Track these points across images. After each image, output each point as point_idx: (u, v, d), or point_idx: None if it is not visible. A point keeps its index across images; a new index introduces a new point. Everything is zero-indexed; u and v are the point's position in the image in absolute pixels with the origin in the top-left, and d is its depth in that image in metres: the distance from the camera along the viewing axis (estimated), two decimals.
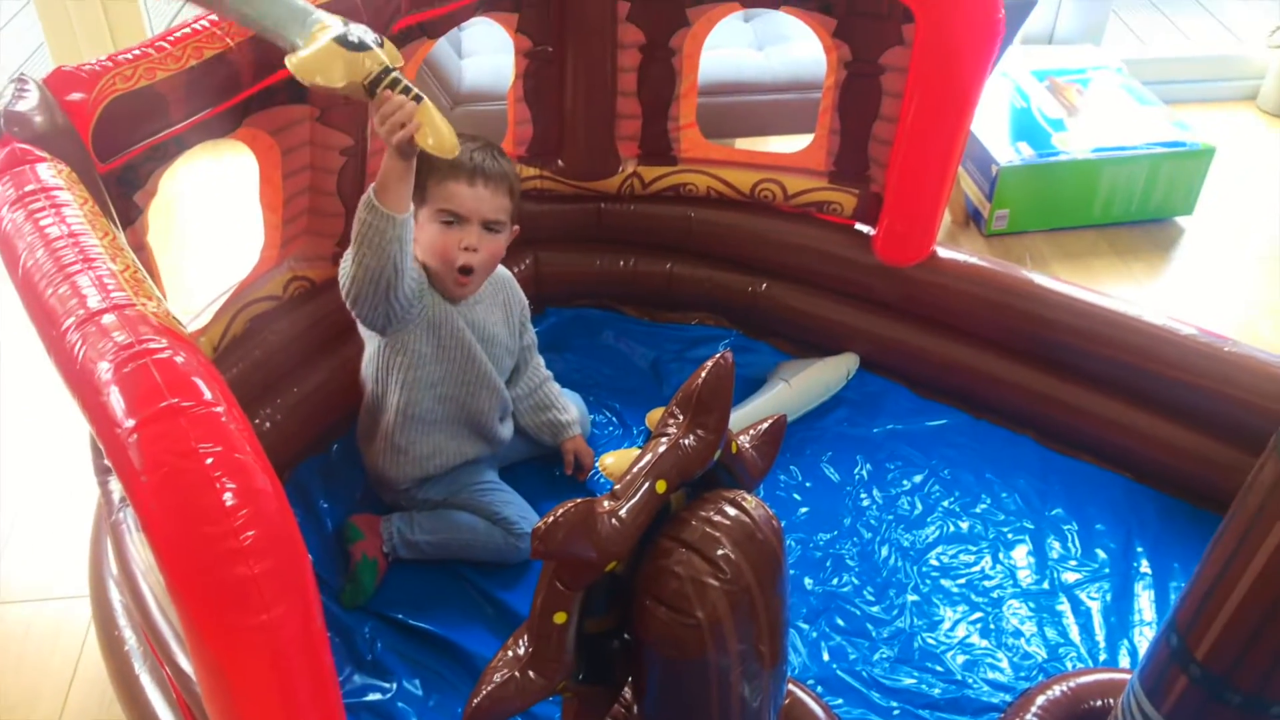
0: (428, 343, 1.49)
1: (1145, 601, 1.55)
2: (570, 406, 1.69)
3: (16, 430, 1.93)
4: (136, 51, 1.25)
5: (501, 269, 1.59)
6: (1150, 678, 1.13)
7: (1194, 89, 2.96)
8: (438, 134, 1.30)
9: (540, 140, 1.91)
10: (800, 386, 1.81)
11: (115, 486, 1.32)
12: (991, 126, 2.43)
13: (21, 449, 1.89)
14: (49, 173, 1.06)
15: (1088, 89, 2.58)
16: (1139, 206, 2.45)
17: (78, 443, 1.66)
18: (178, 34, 1.31)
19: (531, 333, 1.68)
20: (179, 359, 0.81)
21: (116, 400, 0.78)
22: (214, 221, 2.44)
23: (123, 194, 1.28)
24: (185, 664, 1.11)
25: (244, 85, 1.39)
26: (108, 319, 0.85)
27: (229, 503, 0.75)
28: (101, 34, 2.53)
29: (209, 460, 0.75)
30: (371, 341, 1.52)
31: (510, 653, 1.04)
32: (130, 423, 0.77)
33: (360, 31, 1.30)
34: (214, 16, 1.34)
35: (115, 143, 1.23)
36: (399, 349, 1.49)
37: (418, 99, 1.29)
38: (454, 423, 1.55)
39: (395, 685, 1.41)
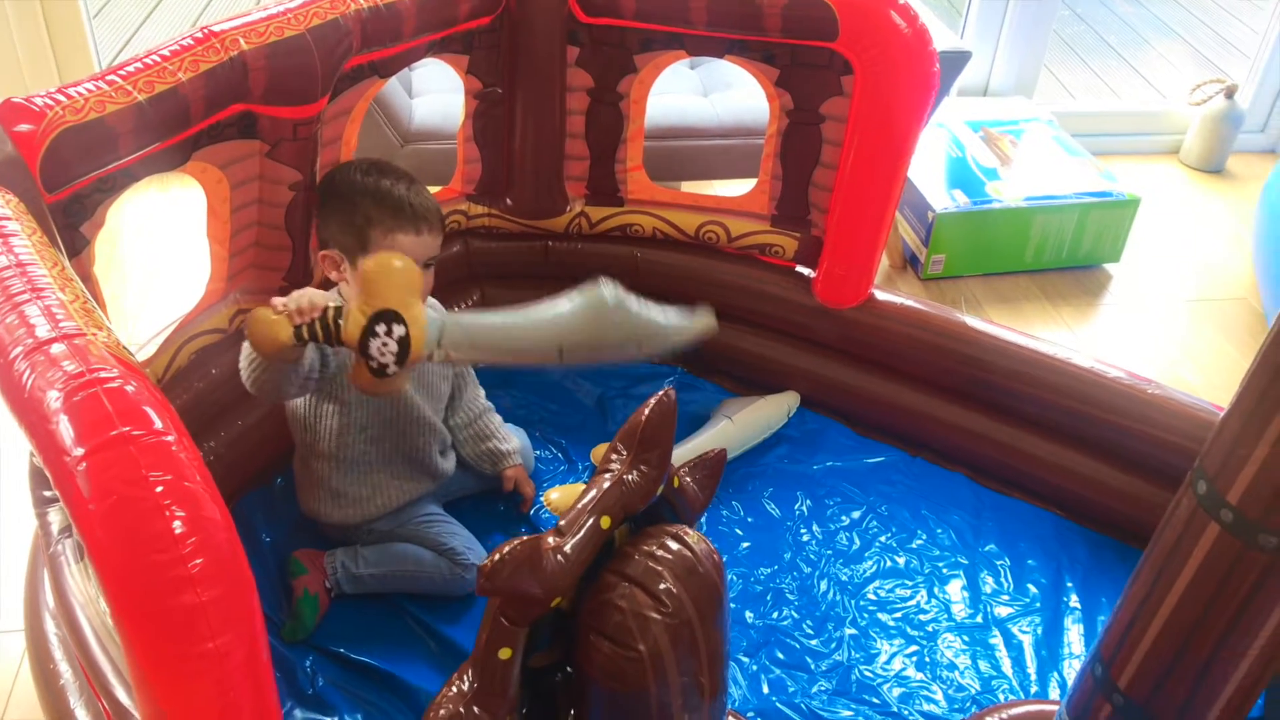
0: (350, 388, 1.44)
1: (1075, 635, 1.59)
2: (510, 436, 1.70)
3: None
4: (88, 85, 1.26)
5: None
6: (1077, 706, 1.16)
7: (1121, 142, 3.08)
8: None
9: (489, 179, 1.94)
10: (742, 423, 1.84)
11: (54, 518, 1.31)
12: (928, 174, 2.51)
13: None
14: None
15: (1020, 140, 2.67)
16: (1069, 253, 2.54)
17: (13, 475, 1.63)
18: (130, 68, 1.31)
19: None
20: (129, 388, 0.82)
21: (66, 428, 0.79)
22: (158, 253, 2.43)
23: (69, 224, 1.27)
24: (124, 698, 1.10)
25: (194, 120, 1.39)
26: (56, 348, 0.86)
27: (178, 530, 0.75)
28: (47, 63, 2.51)
29: (159, 488, 0.76)
30: None
31: (454, 688, 1.04)
32: (79, 450, 0.77)
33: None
34: (166, 51, 1.35)
35: (63, 174, 1.23)
36: (324, 396, 1.49)
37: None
38: (391, 462, 1.55)
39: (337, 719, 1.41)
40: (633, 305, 1.26)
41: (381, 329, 1.19)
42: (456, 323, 1.25)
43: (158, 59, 1.34)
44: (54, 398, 0.81)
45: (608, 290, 1.25)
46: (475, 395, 1.69)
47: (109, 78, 1.28)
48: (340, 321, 1.20)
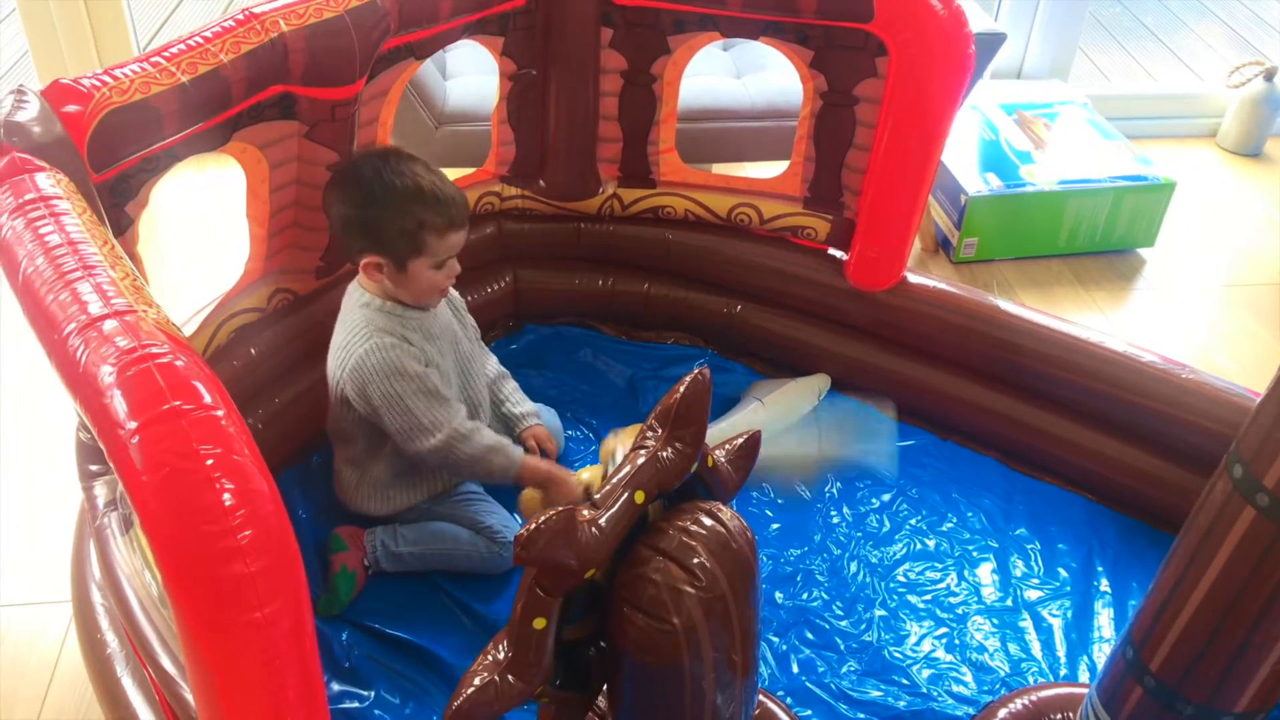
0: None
1: (1105, 619, 1.59)
2: (525, 400, 1.73)
3: None
4: (133, 66, 1.28)
5: None
6: (1107, 689, 1.17)
7: (1157, 125, 3.05)
8: None
9: (523, 161, 1.95)
10: (773, 405, 1.85)
11: (100, 492, 1.34)
12: (961, 157, 2.50)
13: (1, 454, 1.90)
14: (48, 182, 1.08)
15: (1054, 123, 2.65)
16: (1102, 238, 2.52)
17: (60, 448, 1.67)
18: (173, 49, 1.33)
19: (470, 318, 1.71)
20: (180, 363, 0.84)
21: (119, 403, 0.81)
22: (197, 233, 2.46)
23: (115, 204, 1.30)
24: (170, 666, 1.13)
25: (235, 100, 1.41)
26: (109, 325, 0.88)
27: (227, 502, 0.77)
28: (86, 44, 2.54)
29: (209, 461, 0.78)
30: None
31: (490, 657, 1.06)
32: (133, 424, 0.79)
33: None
34: (208, 33, 1.37)
35: (110, 154, 1.26)
36: None
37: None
38: None
39: (372, 693, 1.43)
40: None
41: None
42: None
43: (200, 40, 1.36)
44: (107, 373, 0.83)
45: None
46: (492, 360, 1.73)
47: (153, 59, 1.30)
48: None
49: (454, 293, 1.64)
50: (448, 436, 1.48)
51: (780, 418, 1.86)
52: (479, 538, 1.56)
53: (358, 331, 1.48)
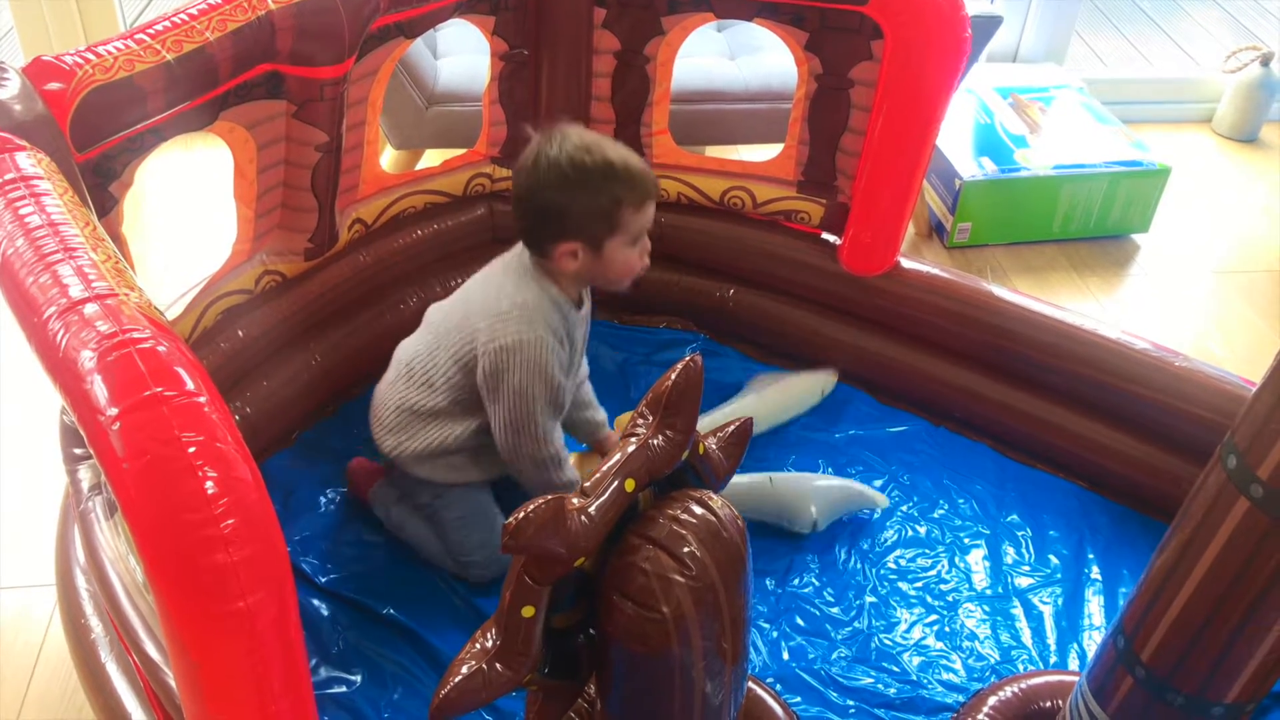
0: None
1: (1095, 606, 1.59)
2: (597, 404, 1.68)
3: None
4: (117, 43, 1.26)
5: None
6: (1097, 678, 1.17)
7: (1152, 110, 3.04)
8: None
9: (514, 142, 1.93)
10: (771, 400, 1.83)
11: (84, 475, 1.33)
12: (956, 141, 2.48)
13: None
14: (28, 161, 1.06)
15: (1050, 107, 2.64)
16: (1097, 223, 2.51)
17: (44, 431, 1.65)
18: (158, 27, 1.31)
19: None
20: (162, 349, 0.82)
21: (99, 388, 0.79)
22: (183, 213, 2.44)
23: (98, 184, 1.28)
24: (154, 652, 1.11)
25: (222, 79, 1.39)
26: (90, 309, 0.86)
27: (210, 491, 0.76)
28: (73, 22, 2.51)
29: (191, 449, 0.76)
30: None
31: (478, 645, 1.05)
32: (113, 411, 0.78)
33: None
34: (194, 10, 1.35)
35: (93, 133, 1.24)
36: None
37: None
38: None
39: (360, 678, 1.42)
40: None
41: None
42: None
43: (186, 18, 1.33)
44: (88, 358, 0.81)
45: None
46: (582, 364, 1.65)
47: (137, 36, 1.28)
48: None
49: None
50: (550, 456, 1.46)
51: (778, 411, 1.84)
52: (447, 557, 1.55)
53: (528, 313, 1.41)
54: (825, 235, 1.91)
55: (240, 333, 1.60)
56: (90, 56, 1.22)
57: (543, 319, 1.41)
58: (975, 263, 2.44)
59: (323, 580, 1.53)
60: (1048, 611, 1.58)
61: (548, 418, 1.45)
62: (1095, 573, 1.64)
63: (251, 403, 1.63)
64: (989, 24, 2.12)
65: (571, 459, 1.56)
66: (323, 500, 1.65)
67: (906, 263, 1.85)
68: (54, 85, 1.18)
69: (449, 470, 1.52)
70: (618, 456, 1.08)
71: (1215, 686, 1.05)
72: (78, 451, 1.34)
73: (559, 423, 1.50)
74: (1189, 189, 2.74)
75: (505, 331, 1.40)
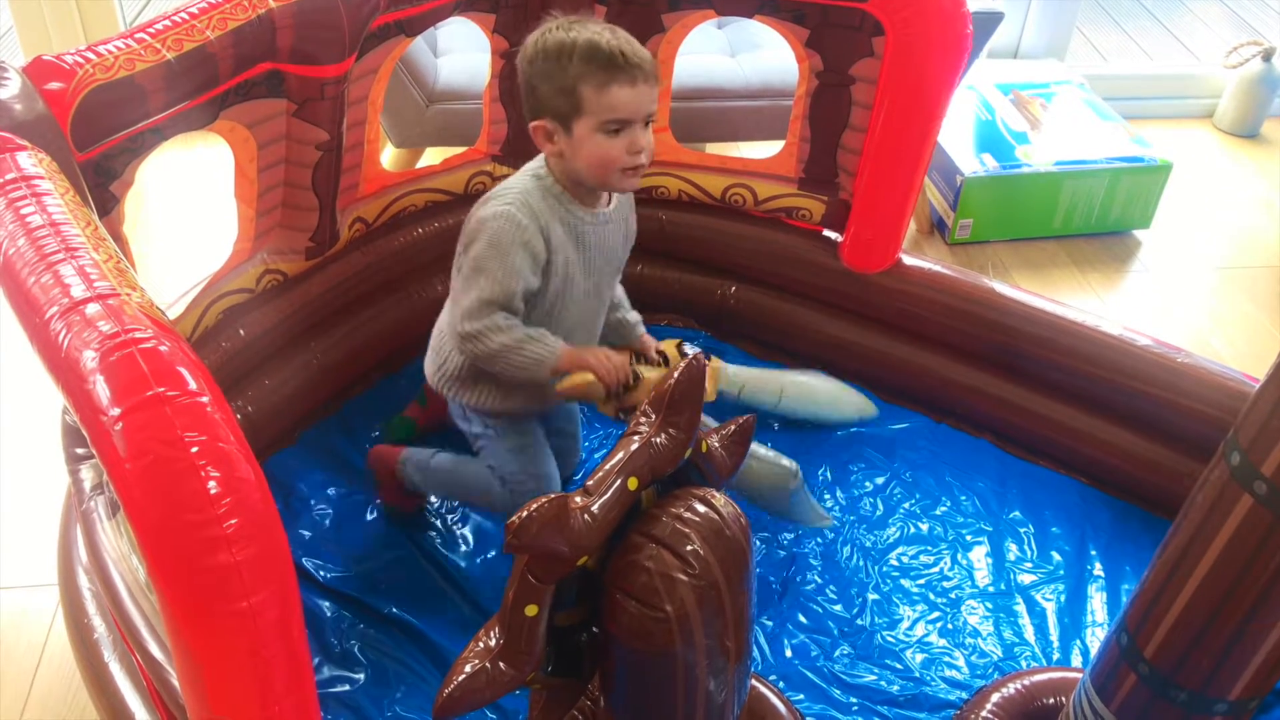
0: (550, 285, 1.41)
1: (1098, 603, 1.59)
2: (632, 310, 1.62)
3: None
4: (117, 42, 1.26)
5: None
6: (1101, 675, 1.17)
7: (1154, 105, 3.03)
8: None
9: (514, 140, 1.93)
10: (826, 390, 1.85)
11: (86, 475, 1.33)
12: (957, 138, 2.48)
13: None
14: (29, 161, 1.06)
15: (1051, 103, 2.64)
16: (1098, 219, 2.51)
17: (45, 431, 1.65)
18: (158, 25, 1.31)
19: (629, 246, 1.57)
20: (164, 348, 0.82)
21: (102, 389, 0.79)
22: (183, 212, 2.44)
23: (99, 184, 1.28)
24: (157, 651, 1.11)
25: (222, 78, 1.39)
26: (92, 309, 0.86)
27: (212, 491, 0.76)
28: (72, 21, 2.51)
29: (194, 449, 0.76)
30: None
31: (481, 644, 1.05)
32: (116, 410, 0.78)
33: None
34: (194, 9, 1.35)
35: (93, 133, 1.23)
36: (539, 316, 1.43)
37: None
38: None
39: (363, 676, 1.42)
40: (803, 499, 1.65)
41: None
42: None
43: (186, 16, 1.33)
44: (90, 358, 0.81)
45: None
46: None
47: (138, 35, 1.28)
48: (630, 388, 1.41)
49: (633, 221, 1.53)
50: (484, 326, 1.35)
51: (826, 401, 1.85)
52: (497, 489, 1.50)
53: (510, 190, 1.38)
54: (827, 232, 1.90)
55: (241, 331, 1.60)
56: (91, 56, 1.22)
57: (522, 200, 1.37)
58: (977, 259, 2.43)
59: (325, 579, 1.53)
60: (1050, 608, 1.58)
61: (492, 306, 1.35)
62: (1098, 569, 1.64)
63: (253, 401, 1.63)
64: (990, 20, 2.12)
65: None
66: (325, 498, 1.65)
67: (908, 259, 1.85)
68: (54, 85, 1.18)
69: (494, 395, 1.47)
70: (620, 455, 1.08)
71: (1218, 683, 1.05)
72: (79, 451, 1.34)
73: (514, 325, 1.38)
74: (1190, 185, 2.74)
75: (485, 207, 1.38)
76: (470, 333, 1.36)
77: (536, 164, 1.42)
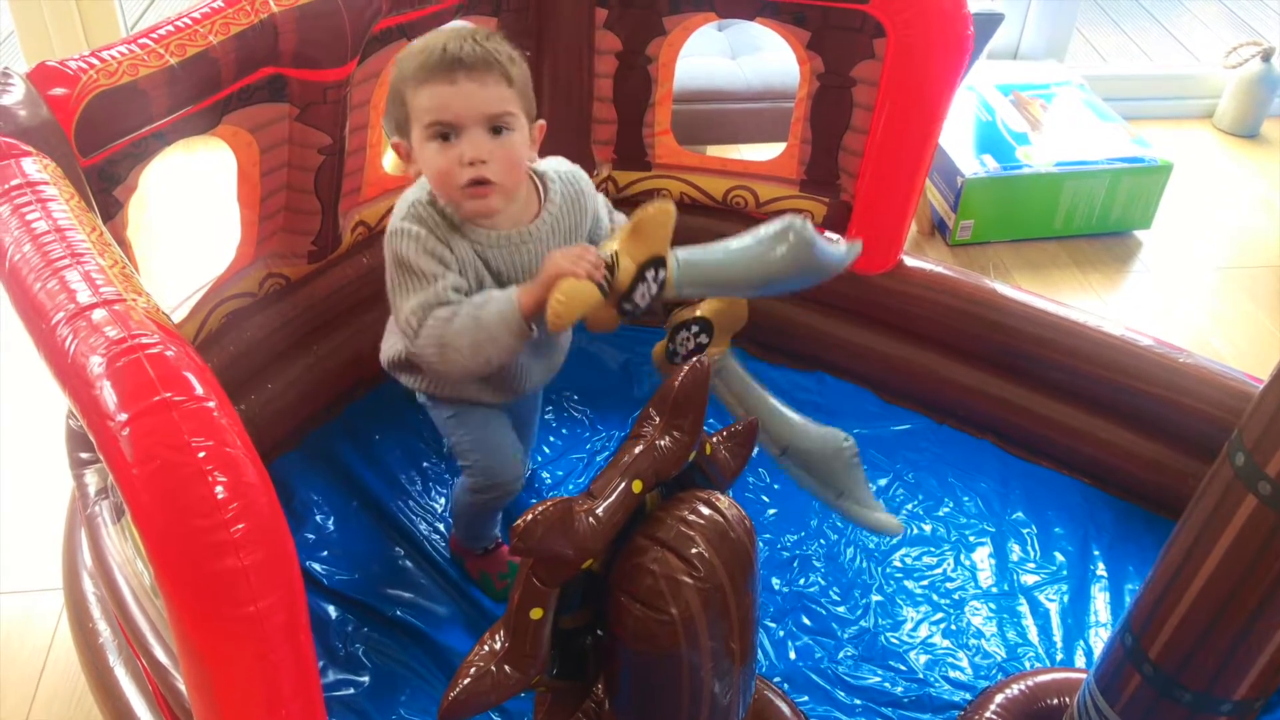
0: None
1: (1101, 603, 1.59)
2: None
3: None
4: (120, 48, 1.26)
5: (572, 173, 1.35)
6: (1105, 676, 1.17)
7: (1154, 106, 3.04)
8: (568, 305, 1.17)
9: None
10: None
11: (91, 480, 1.33)
12: (957, 139, 2.48)
13: None
14: (34, 167, 1.06)
15: (1051, 104, 2.64)
16: (1099, 219, 2.51)
17: (50, 435, 1.65)
18: (161, 31, 1.31)
19: (609, 221, 1.42)
20: (170, 353, 0.82)
21: (109, 394, 0.79)
22: (186, 217, 2.44)
23: (103, 189, 1.28)
24: (162, 656, 1.12)
25: (225, 83, 1.39)
26: (98, 314, 0.86)
27: (220, 496, 0.76)
28: (74, 26, 2.51)
29: (201, 454, 0.76)
30: None
31: (486, 647, 1.05)
32: (123, 416, 0.78)
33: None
34: (196, 14, 1.35)
35: (97, 138, 1.24)
36: None
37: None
38: (484, 382, 1.38)
39: (368, 680, 1.43)
40: (816, 238, 1.30)
41: (650, 274, 1.24)
42: (687, 261, 1.28)
43: (189, 21, 1.33)
44: (96, 363, 0.81)
45: (798, 224, 1.28)
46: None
47: (141, 41, 1.28)
48: (614, 270, 1.22)
49: (607, 213, 1.39)
50: (430, 325, 1.21)
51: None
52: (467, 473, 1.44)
53: (405, 201, 1.27)
54: (828, 234, 1.90)
55: (245, 335, 1.60)
56: (94, 61, 1.22)
57: (412, 212, 1.25)
58: (978, 260, 2.44)
59: (330, 582, 1.53)
60: (1054, 609, 1.58)
61: (425, 308, 1.22)
62: (1101, 569, 1.64)
63: (256, 405, 1.63)
64: (990, 21, 2.12)
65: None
66: (330, 501, 1.65)
67: (910, 261, 1.85)
68: (58, 90, 1.18)
69: (436, 380, 1.40)
70: (625, 458, 1.08)
71: (1224, 683, 1.05)
72: (84, 455, 1.34)
73: (456, 305, 1.23)
74: (1191, 185, 2.74)
75: (390, 221, 1.28)
76: (424, 342, 1.22)
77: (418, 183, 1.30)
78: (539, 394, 1.62)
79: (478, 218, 1.25)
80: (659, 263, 1.25)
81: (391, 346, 1.43)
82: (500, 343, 1.21)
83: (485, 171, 1.19)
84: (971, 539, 1.68)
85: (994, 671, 1.49)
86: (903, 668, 1.49)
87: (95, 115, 1.21)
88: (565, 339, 1.50)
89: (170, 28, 1.32)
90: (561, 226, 1.32)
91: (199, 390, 0.80)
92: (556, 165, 1.37)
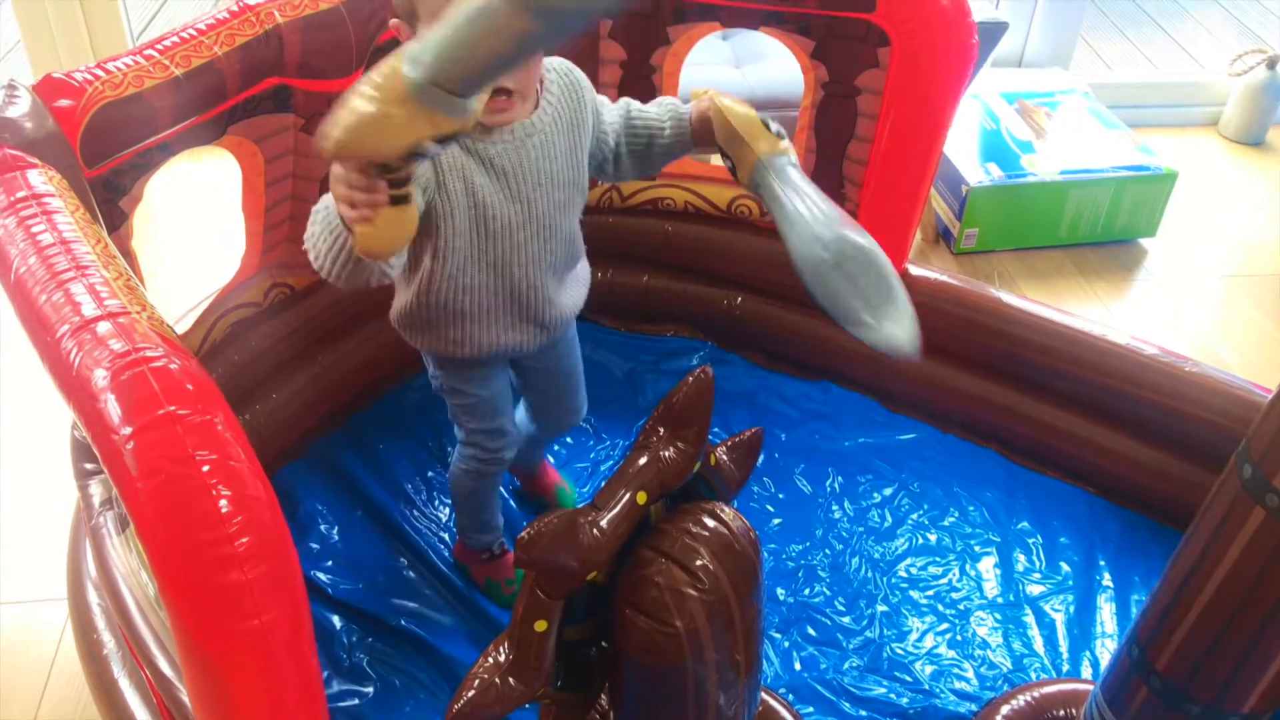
0: (463, 219, 1.19)
1: (1107, 614, 1.59)
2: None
3: None
4: (126, 60, 1.26)
5: (566, 65, 1.25)
6: (1112, 688, 1.16)
7: (1158, 114, 3.03)
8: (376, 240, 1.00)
9: None
10: None
11: (95, 491, 1.33)
12: (961, 147, 2.48)
13: None
14: (40, 179, 1.07)
15: (1055, 112, 2.64)
16: (1104, 228, 2.51)
17: (54, 446, 1.66)
18: (166, 42, 1.31)
19: (614, 112, 1.30)
20: (174, 366, 0.82)
21: (113, 407, 0.79)
22: (191, 226, 2.44)
23: (108, 200, 1.28)
24: (167, 668, 1.12)
25: (230, 93, 1.40)
26: (103, 327, 0.87)
27: (224, 509, 0.76)
28: (80, 37, 2.52)
29: (205, 467, 0.77)
30: None
31: (491, 659, 1.05)
32: (127, 430, 0.78)
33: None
34: (202, 25, 1.35)
35: (103, 149, 1.24)
36: (425, 231, 1.20)
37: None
38: (491, 309, 1.28)
39: (373, 690, 1.42)
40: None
41: None
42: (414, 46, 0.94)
43: (194, 33, 1.34)
44: (101, 376, 0.81)
45: None
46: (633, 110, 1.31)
47: (146, 52, 1.29)
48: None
49: (614, 108, 1.28)
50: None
51: None
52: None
53: None
54: None
55: (250, 345, 1.61)
56: (100, 73, 1.23)
57: None
58: (982, 269, 2.43)
59: (335, 592, 1.53)
60: (1060, 619, 1.58)
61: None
62: (1106, 580, 1.63)
63: (261, 415, 1.64)
64: (994, 30, 2.12)
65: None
66: (334, 511, 1.65)
67: (915, 270, 1.85)
68: (64, 102, 1.19)
69: (431, 336, 1.32)
70: (629, 469, 1.08)
71: (1232, 696, 1.04)
72: (88, 466, 1.34)
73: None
74: (1196, 193, 2.74)
75: None
76: (306, 243, 1.10)
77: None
78: (572, 339, 1.49)
79: (496, 126, 1.18)
80: None
81: (397, 302, 1.34)
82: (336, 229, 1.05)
83: (506, 81, 1.12)
84: (977, 549, 1.68)
85: (1000, 683, 1.48)
86: (908, 679, 1.48)
87: (101, 127, 1.22)
88: (583, 266, 1.39)
89: (175, 39, 1.32)
90: (563, 117, 1.24)
91: (203, 404, 0.80)
92: (548, 60, 1.26)
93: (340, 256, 1.05)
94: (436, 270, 1.23)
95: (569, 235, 1.30)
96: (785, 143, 1.23)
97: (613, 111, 1.31)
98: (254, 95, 1.44)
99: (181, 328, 1.51)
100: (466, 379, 1.37)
